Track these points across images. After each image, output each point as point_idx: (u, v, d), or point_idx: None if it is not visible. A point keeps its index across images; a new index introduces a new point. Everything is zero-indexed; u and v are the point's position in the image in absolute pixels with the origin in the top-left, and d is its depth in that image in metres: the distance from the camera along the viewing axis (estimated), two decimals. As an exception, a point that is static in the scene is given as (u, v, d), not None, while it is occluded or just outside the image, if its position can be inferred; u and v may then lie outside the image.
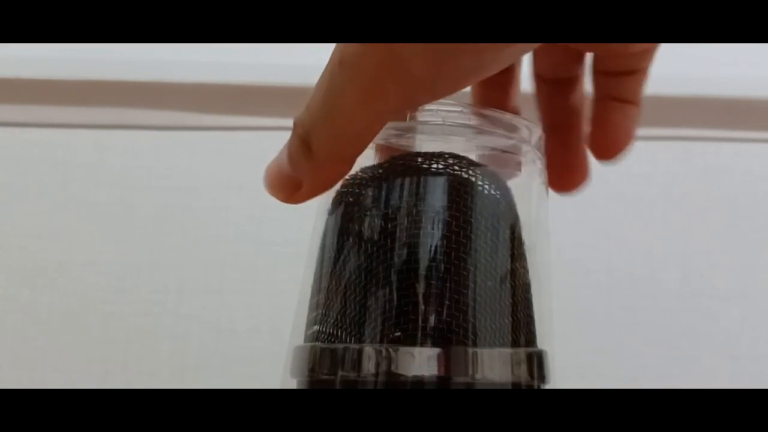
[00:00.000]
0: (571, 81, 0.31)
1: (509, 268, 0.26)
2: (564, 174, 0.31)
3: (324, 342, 0.26)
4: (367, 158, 0.27)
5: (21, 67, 0.57)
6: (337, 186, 0.28)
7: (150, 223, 0.57)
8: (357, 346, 0.25)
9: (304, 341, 0.27)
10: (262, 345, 0.54)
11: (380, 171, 0.28)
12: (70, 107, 0.59)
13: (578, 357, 0.56)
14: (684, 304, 0.58)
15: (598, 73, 0.30)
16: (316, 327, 0.26)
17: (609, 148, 0.30)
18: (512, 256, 0.26)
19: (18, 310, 0.56)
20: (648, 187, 0.59)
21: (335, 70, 0.22)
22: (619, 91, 0.30)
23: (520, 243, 0.27)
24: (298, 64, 0.51)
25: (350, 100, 0.22)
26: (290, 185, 0.25)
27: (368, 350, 0.25)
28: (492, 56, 0.23)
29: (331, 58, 0.23)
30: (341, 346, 0.25)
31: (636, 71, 0.29)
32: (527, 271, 0.27)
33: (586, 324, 0.57)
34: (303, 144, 0.24)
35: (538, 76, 0.32)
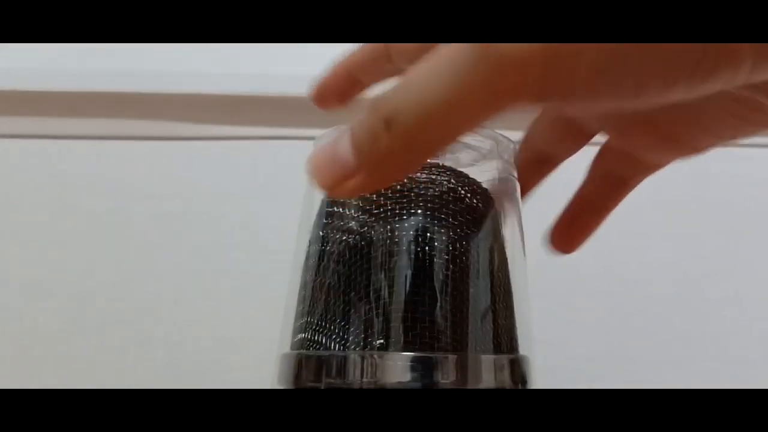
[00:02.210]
0: (625, 184, 0.33)
1: (491, 275, 0.27)
2: (573, 235, 0.33)
3: (309, 349, 0.26)
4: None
5: (18, 78, 0.58)
6: (324, 196, 0.28)
7: (145, 231, 0.58)
8: (342, 354, 0.25)
9: (291, 349, 0.27)
10: (258, 353, 0.54)
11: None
12: (67, 118, 0.59)
13: (572, 362, 0.56)
14: (677, 309, 0.58)
15: (605, 178, 0.32)
16: (301, 335, 0.27)
17: (573, 247, 0.33)
18: (492, 263, 0.27)
19: (14, 319, 0.56)
20: (640, 192, 0.59)
21: (471, 47, 0.20)
22: (613, 201, 0.32)
23: (502, 251, 0.28)
24: (292, 75, 0.51)
25: (476, 85, 0.20)
26: (342, 173, 0.22)
27: (353, 357, 0.25)
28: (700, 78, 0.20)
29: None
30: (326, 353, 0.26)
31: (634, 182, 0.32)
32: (508, 279, 0.28)
33: (580, 328, 0.57)
34: (384, 124, 0.21)
35: (599, 169, 0.33)
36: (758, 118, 0.26)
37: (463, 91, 0.20)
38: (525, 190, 0.32)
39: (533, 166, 0.32)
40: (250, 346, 0.55)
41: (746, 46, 0.19)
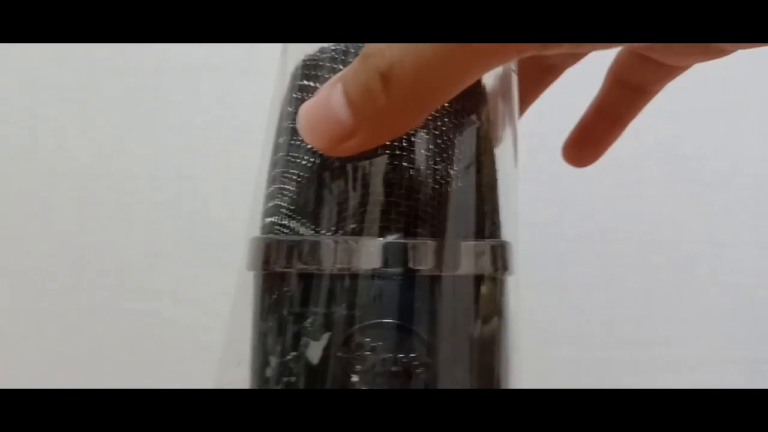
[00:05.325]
0: (645, 90, 0.31)
1: (474, 159, 0.25)
2: (586, 149, 0.32)
3: (279, 233, 0.25)
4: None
5: None
6: (294, 68, 0.26)
7: (118, 107, 0.55)
8: (315, 238, 0.24)
9: (261, 232, 0.26)
10: (238, 232, 0.53)
11: (343, 52, 0.26)
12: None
13: (557, 245, 0.56)
14: (668, 191, 0.57)
15: (622, 87, 0.30)
16: (271, 218, 0.25)
17: (587, 162, 0.32)
18: (478, 147, 0.25)
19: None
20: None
21: None
22: (631, 111, 0.31)
23: (487, 135, 0.26)
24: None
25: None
26: (340, 133, 0.21)
27: (327, 242, 0.24)
28: None
29: None
30: (298, 238, 0.24)
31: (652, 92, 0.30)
32: (494, 163, 0.26)
33: (568, 207, 0.56)
34: (381, 78, 0.20)
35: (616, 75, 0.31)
36: None
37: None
38: (526, 101, 0.30)
39: (535, 73, 0.30)
40: (231, 226, 0.54)
41: None
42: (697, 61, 0.28)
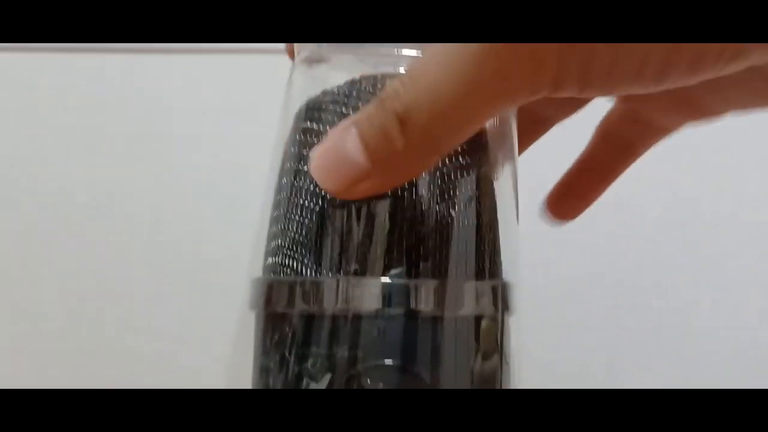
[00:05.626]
0: (632, 149, 0.31)
1: (475, 200, 0.25)
2: (572, 203, 0.32)
3: (281, 274, 0.25)
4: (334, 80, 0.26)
5: None
6: (298, 111, 0.27)
7: (121, 149, 0.56)
8: (316, 279, 0.24)
9: (263, 273, 0.26)
10: (239, 273, 0.53)
11: (346, 95, 0.26)
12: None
13: (557, 285, 0.56)
14: (670, 232, 0.57)
15: (610, 144, 0.31)
16: (273, 258, 0.25)
17: (569, 216, 0.32)
18: (478, 188, 0.25)
19: None
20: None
21: (479, 45, 0.19)
22: (617, 168, 0.31)
23: (487, 176, 0.26)
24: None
25: (487, 75, 0.19)
26: (354, 175, 0.21)
27: (328, 282, 0.24)
28: (716, 60, 0.19)
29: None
30: (299, 278, 0.24)
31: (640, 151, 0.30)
32: (494, 204, 0.26)
33: (568, 248, 0.56)
34: (398, 121, 0.20)
35: (605, 132, 0.31)
36: None
37: (477, 81, 0.19)
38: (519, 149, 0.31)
39: (527, 125, 0.30)
40: (234, 268, 0.54)
41: None
42: (686, 122, 0.29)
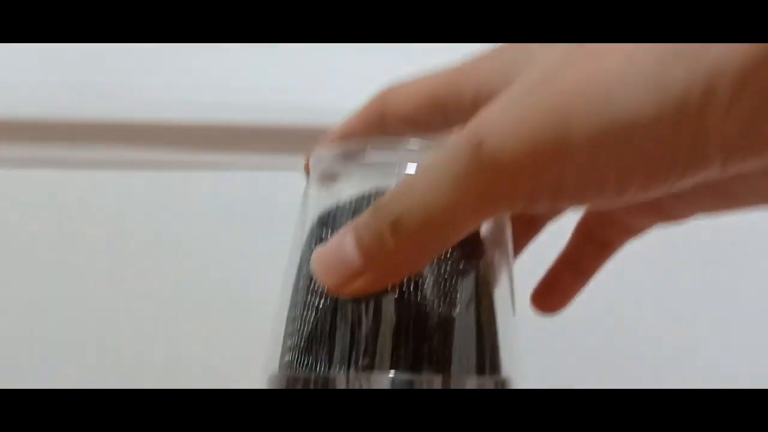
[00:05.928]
0: (609, 245, 0.33)
1: (474, 300, 0.27)
2: (557, 297, 0.33)
3: (295, 370, 0.27)
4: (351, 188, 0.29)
5: (14, 106, 0.58)
6: (313, 214, 0.29)
7: (142, 262, 0.58)
8: (328, 375, 0.26)
9: (279, 370, 0.28)
10: (255, 377, 0.54)
11: (355, 208, 0.29)
12: (61, 147, 0.59)
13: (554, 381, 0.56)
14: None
15: (588, 241, 0.33)
16: (288, 356, 0.27)
17: (554, 309, 0.33)
18: (477, 289, 0.28)
19: (9, 348, 0.56)
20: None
21: (467, 150, 0.21)
22: (596, 263, 0.33)
23: (485, 278, 0.28)
24: (292, 103, 0.52)
25: (469, 193, 0.21)
26: (349, 274, 0.23)
27: (339, 378, 0.26)
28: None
29: (461, 138, 0.21)
30: (312, 375, 0.26)
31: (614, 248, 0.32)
32: (492, 303, 0.28)
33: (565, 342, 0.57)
34: (391, 228, 0.22)
35: (583, 230, 0.33)
36: (744, 199, 0.27)
37: (462, 197, 0.21)
38: (516, 250, 0.33)
39: (519, 226, 0.33)
40: (247, 373, 0.55)
41: (713, 145, 0.19)
42: (656, 223, 0.31)
